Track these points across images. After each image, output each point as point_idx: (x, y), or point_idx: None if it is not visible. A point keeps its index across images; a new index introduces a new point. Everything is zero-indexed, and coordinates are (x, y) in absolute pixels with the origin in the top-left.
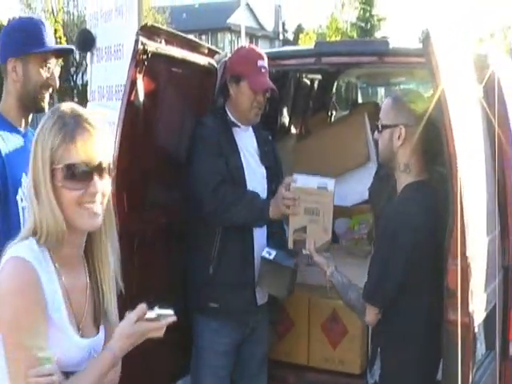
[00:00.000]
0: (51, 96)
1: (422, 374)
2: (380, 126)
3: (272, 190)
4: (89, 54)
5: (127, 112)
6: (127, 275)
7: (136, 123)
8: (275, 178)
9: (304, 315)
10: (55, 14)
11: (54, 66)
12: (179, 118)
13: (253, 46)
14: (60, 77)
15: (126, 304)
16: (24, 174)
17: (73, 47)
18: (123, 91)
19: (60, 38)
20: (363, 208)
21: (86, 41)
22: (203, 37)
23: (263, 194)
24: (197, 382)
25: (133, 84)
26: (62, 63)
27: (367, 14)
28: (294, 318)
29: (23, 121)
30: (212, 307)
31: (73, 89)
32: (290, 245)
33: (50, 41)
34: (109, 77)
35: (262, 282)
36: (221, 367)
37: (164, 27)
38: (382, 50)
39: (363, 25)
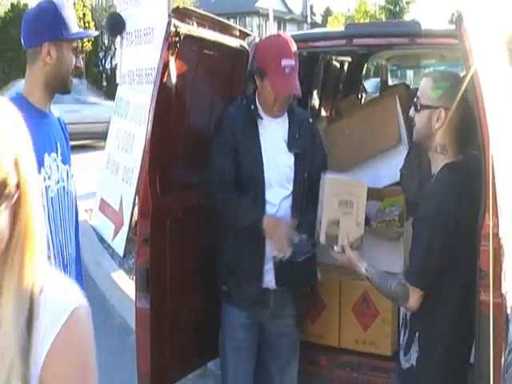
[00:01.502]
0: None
1: (459, 358)
2: (419, 106)
3: (302, 178)
4: (118, 37)
5: (160, 94)
6: (161, 255)
7: (168, 105)
8: (308, 163)
9: (335, 297)
10: None
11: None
12: (210, 99)
13: (282, 35)
14: (89, 61)
15: (160, 282)
16: (46, 153)
17: (97, 33)
18: (155, 73)
19: (88, 22)
20: (394, 190)
21: (116, 25)
22: (231, 21)
23: (286, 185)
24: (221, 355)
25: (165, 66)
26: (91, 48)
27: None
28: (326, 300)
29: (47, 101)
30: (223, 290)
31: (101, 73)
32: (323, 239)
33: (76, 24)
34: (139, 60)
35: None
36: (242, 339)
37: (196, 9)
38: (414, 31)
39: (392, 7)
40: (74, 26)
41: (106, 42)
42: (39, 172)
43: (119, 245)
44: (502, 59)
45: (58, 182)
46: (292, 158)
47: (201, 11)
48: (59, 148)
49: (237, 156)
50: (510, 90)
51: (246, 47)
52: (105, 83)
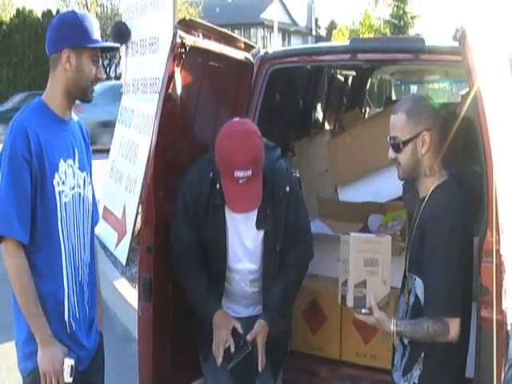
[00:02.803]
0: None
1: (459, 374)
2: (401, 144)
3: (272, 254)
4: (124, 46)
5: (165, 105)
6: (164, 264)
7: (173, 116)
8: (280, 238)
9: (336, 310)
10: (88, 6)
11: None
12: (215, 111)
13: (242, 129)
14: None
15: (163, 291)
16: (62, 159)
17: (118, 45)
18: (161, 84)
19: None
20: (397, 205)
21: (121, 33)
22: (236, 31)
23: (254, 260)
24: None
25: (170, 77)
26: None
27: (400, 11)
28: (327, 313)
29: (67, 109)
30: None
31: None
32: (350, 303)
33: (99, 36)
34: (144, 70)
35: None
36: None
37: (201, 21)
38: (417, 47)
39: (396, 22)
40: (95, 37)
41: None
42: (53, 177)
43: (122, 253)
44: (505, 76)
45: (73, 188)
46: (261, 234)
47: (206, 23)
48: (77, 155)
49: (200, 228)
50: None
51: (251, 59)
52: None
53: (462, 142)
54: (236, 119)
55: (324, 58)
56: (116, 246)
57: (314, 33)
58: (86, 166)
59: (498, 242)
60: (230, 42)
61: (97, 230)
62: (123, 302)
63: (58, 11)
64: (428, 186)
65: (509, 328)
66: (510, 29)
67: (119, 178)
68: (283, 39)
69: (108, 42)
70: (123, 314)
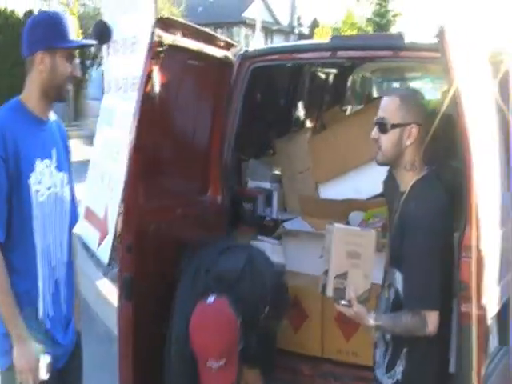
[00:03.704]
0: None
1: (442, 369)
2: (389, 126)
3: None
4: (105, 46)
5: (143, 104)
6: (144, 263)
7: (152, 115)
8: None
9: (318, 308)
10: (70, 5)
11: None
12: (195, 109)
13: (215, 321)
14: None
15: (144, 290)
16: (39, 158)
17: (94, 42)
18: (139, 83)
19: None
20: (378, 202)
21: (103, 33)
22: (218, 30)
23: None
24: None
25: (148, 76)
26: (78, 56)
27: (383, 9)
28: (308, 311)
29: (44, 109)
30: None
31: (88, 81)
32: (330, 292)
33: (74, 34)
34: (125, 69)
35: None
36: None
37: (180, 20)
38: (397, 44)
39: (379, 20)
40: (70, 36)
41: (92, 49)
42: (29, 176)
43: (104, 253)
44: (484, 72)
45: (49, 188)
46: None
47: (185, 21)
48: (54, 155)
49: None
50: (491, 102)
51: (231, 58)
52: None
53: (442, 138)
54: (210, 301)
55: (305, 56)
56: (98, 245)
57: (296, 31)
58: (63, 166)
59: (478, 238)
60: (210, 40)
61: (79, 230)
62: (105, 302)
63: (39, 11)
64: (408, 180)
65: (489, 323)
66: (490, 27)
67: (101, 178)
68: (266, 38)
69: (88, 40)
70: (105, 315)
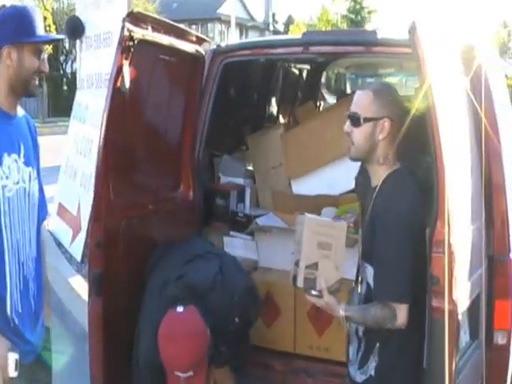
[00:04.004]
0: (40, 83)
1: (416, 364)
2: (362, 120)
3: None
4: (78, 41)
5: (113, 99)
6: (114, 259)
7: (122, 110)
8: None
9: (290, 303)
10: (44, 1)
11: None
12: (167, 104)
13: (182, 333)
14: (50, 65)
15: (113, 286)
16: (6, 153)
17: (62, 36)
18: (109, 78)
19: (49, 25)
20: (350, 197)
21: (76, 28)
22: (193, 27)
23: None
24: None
25: (119, 70)
26: (51, 52)
27: (358, 6)
28: (280, 306)
29: (12, 104)
30: None
31: (62, 77)
32: (301, 283)
33: (42, 29)
34: (98, 65)
35: None
36: None
37: (151, 14)
38: (369, 40)
39: (353, 17)
40: (37, 31)
41: (66, 45)
42: None
43: (77, 250)
44: (456, 68)
45: (17, 183)
46: None
47: (156, 16)
48: (22, 150)
49: None
50: (463, 98)
51: (203, 53)
52: (65, 87)
53: (416, 134)
54: (180, 310)
55: (277, 51)
56: (71, 242)
57: (271, 28)
58: (31, 161)
59: (449, 233)
60: (181, 35)
61: (52, 227)
62: (78, 299)
63: (10, 6)
64: (380, 174)
65: (460, 318)
66: (462, 22)
67: (74, 174)
68: (240, 34)
69: (56, 35)
70: (78, 312)
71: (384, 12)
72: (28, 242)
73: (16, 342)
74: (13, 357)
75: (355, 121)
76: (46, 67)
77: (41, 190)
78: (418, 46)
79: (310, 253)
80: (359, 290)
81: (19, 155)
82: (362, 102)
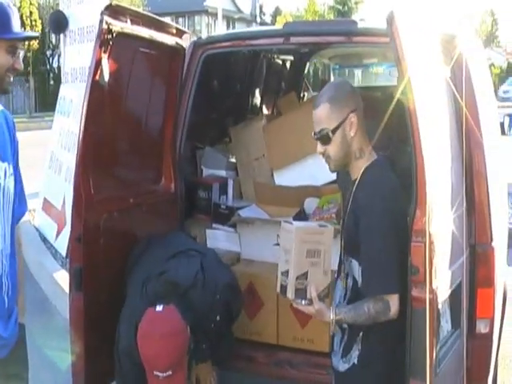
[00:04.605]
0: (27, 78)
1: (399, 350)
2: (330, 134)
3: None
4: (62, 35)
5: (92, 92)
6: (95, 254)
7: (101, 103)
8: None
9: (273, 295)
10: None
11: (20, 50)
12: (147, 98)
13: (161, 333)
14: (36, 60)
15: (94, 281)
16: None
17: (37, 34)
18: (88, 71)
19: (35, 20)
20: (332, 188)
21: (59, 22)
22: (180, 19)
23: None
24: None
25: (98, 64)
26: (38, 46)
27: None
28: (263, 298)
29: None
30: None
31: (49, 72)
32: (291, 295)
33: (17, 25)
34: (82, 59)
35: None
36: None
37: (129, 7)
38: (350, 29)
39: (340, 7)
40: (12, 28)
41: (53, 40)
42: None
43: (62, 245)
44: (437, 57)
45: None
46: None
47: (135, 9)
48: None
49: None
50: (444, 88)
51: (183, 45)
52: (52, 82)
53: (396, 124)
54: (159, 309)
55: (258, 42)
56: (56, 237)
57: (258, 20)
58: (7, 157)
59: (428, 222)
60: (160, 27)
61: (37, 222)
62: (63, 294)
63: None
64: (359, 167)
65: (440, 307)
66: (447, 12)
67: (59, 169)
68: (228, 26)
69: (30, 32)
70: (63, 307)
71: (371, 2)
72: (2, 238)
73: None
74: None
75: (325, 139)
76: (20, 65)
77: (19, 186)
78: (396, 36)
79: (300, 263)
80: (343, 285)
81: None
82: (323, 117)
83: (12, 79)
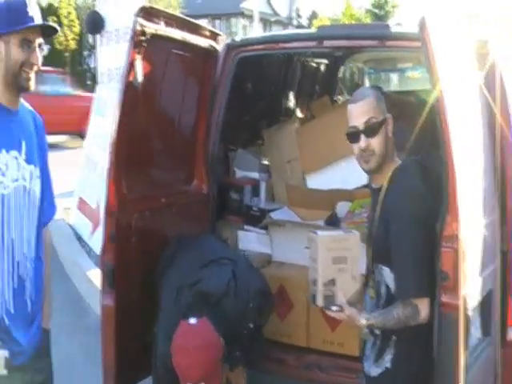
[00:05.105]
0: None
1: (428, 354)
2: (377, 125)
3: None
4: (98, 36)
5: (126, 93)
6: (127, 253)
7: (135, 104)
8: None
9: (303, 297)
10: None
11: (38, 44)
12: (180, 98)
13: (194, 346)
14: (73, 60)
15: (126, 280)
16: (4, 149)
17: (55, 25)
18: (122, 73)
19: (73, 20)
20: (364, 192)
21: (96, 23)
22: (217, 21)
23: None
24: None
25: (131, 65)
26: (76, 47)
27: (382, 1)
28: (293, 300)
29: (11, 99)
30: None
31: (86, 72)
32: (320, 302)
33: (34, 19)
34: (117, 59)
35: None
36: None
37: (163, 9)
38: (382, 33)
39: (377, 11)
40: (21, 20)
41: (90, 40)
42: None
43: (96, 243)
44: (470, 63)
45: (16, 180)
46: None
47: (168, 11)
48: (24, 147)
49: None
50: (476, 94)
51: (216, 47)
52: (89, 82)
53: (429, 128)
54: (192, 322)
55: (291, 46)
56: (91, 235)
57: (295, 23)
58: (34, 159)
59: (458, 228)
60: (194, 29)
61: (72, 221)
62: (97, 292)
63: (38, 2)
64: (385, 172)
65: (470, 314)
66: (477, 17)
67: (94, 168)
68: (264, 29)
69: (38, 21)
70: (97, 305)
71: (408, 6)
72: (26, 242)
73: (6, 341)
74: (2, 354)
75: (372, 130)
76: (36, 59)
77: (48, 189)
78: (427, 40)
79: (327, 270)
80: (372, 294)
81: (20, 152)
82: (369, 108)
83: (32, 75)
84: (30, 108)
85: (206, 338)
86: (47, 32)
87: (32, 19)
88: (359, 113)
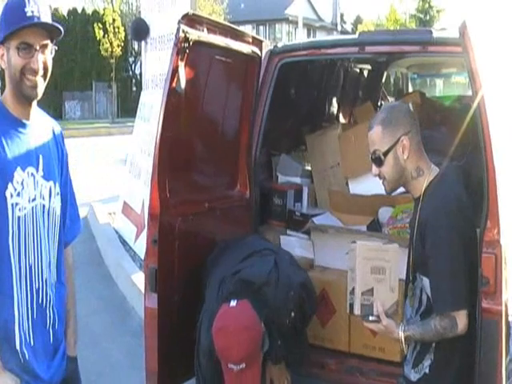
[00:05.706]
0: (109, 84)
1: (468, 361)
2: (382, 156)
3: None
4: (143, 42)
5: (169, 98)
6: (169, 256)
7: (178, 110)
8: None
9: (345, 302)
10: (114, 3)
11: (42, 46)
12: (223, 105)
13: (235, 326)
14: (119, 66)
15: (169, 282)
16: (19, 167)
17: (56, 24)
18: (165, 78)
19: (118, 27)
20: (406, 197)
21: (140, 30)
22: (261, 27)
23: None
24: None
25: (174, 71)
26: (121, 53)
27: (426, 5)
28: (336, 305)
29: (22, 110)
30: None
31: (131, 78)
32: (358, 311)
33: (34, 19)
34: (162, 66)
35: None
36: None
37: (206, 16)
38: (425, 38)
39: (422, 16)
40: (16, 21)
41: (135, 47)
42: (6, 187)
43: (140, 247)
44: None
45: (33, 200)
46: None
47: (211, 17)
48: (41, 162)
49: None
50: None
51: (259, 53)
52: (134, 88)
53: (473, 133)
54: (233, 304)
55: (333, 51)
56: (135, 240)
57: (339, 28)
58: (53, 175)
59: (499, 233)
60: (236, 36)
61: (116, 225)
62: (141, 295)
63: (83, 9)
64: (420, 185)
65: (510, 319)
66: None
67: (138, 173)
68: (308, 35)
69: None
70: (141, 308)
71: (453, 11)
72: (47, 266)
73: (25, 379)
74: None
75: (378, 161)
76: (35, 64)
77: (71, 205)
78: (468, 46)
79: (365, 279)
80: (412, 304)
81: (37, 168)
82: (376, 139)
83: (39, 82)
84: (48, 116)
85: (246, 318)
86: (56, 33)
87: (30, 19)
88: (369, 143)
